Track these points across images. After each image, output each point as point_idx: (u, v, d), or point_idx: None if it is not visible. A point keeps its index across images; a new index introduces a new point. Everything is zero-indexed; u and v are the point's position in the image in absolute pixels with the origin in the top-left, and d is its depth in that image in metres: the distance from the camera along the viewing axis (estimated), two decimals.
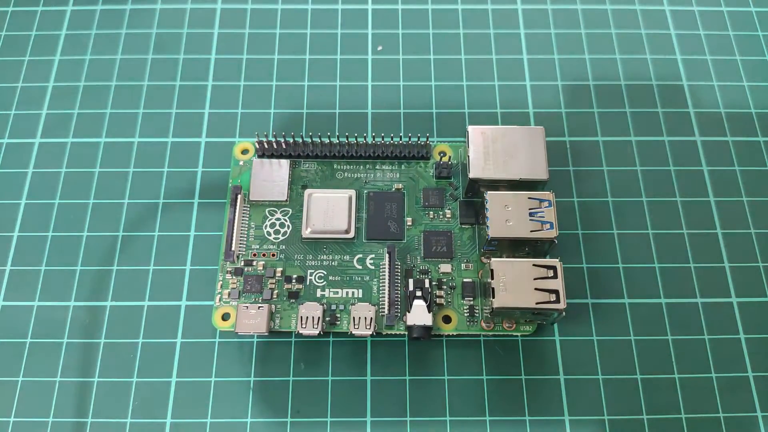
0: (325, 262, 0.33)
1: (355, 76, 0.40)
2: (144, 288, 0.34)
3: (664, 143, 0.38)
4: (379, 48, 0.41)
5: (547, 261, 0.30)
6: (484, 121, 0.38)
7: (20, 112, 0.39)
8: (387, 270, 0.32)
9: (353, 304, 0.31)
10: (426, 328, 0.30)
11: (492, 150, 0.32)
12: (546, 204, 0.31)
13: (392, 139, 0.34)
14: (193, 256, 0.35)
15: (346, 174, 0.35)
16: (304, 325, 0.30)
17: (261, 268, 0.32)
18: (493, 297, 0.30)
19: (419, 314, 0.30)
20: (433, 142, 0.36)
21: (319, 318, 0.31)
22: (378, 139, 0.35)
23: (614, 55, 0.41)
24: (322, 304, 0.31)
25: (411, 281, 0.31)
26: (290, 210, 0.34)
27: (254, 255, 0.33)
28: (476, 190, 0.33)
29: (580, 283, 0.34)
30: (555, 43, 0.41)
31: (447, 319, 0.32)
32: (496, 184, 0.32)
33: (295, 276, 0.32)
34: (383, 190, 0.34)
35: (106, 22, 0.41)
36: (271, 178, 0.34)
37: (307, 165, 0.35)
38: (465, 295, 0.32)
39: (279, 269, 0.32)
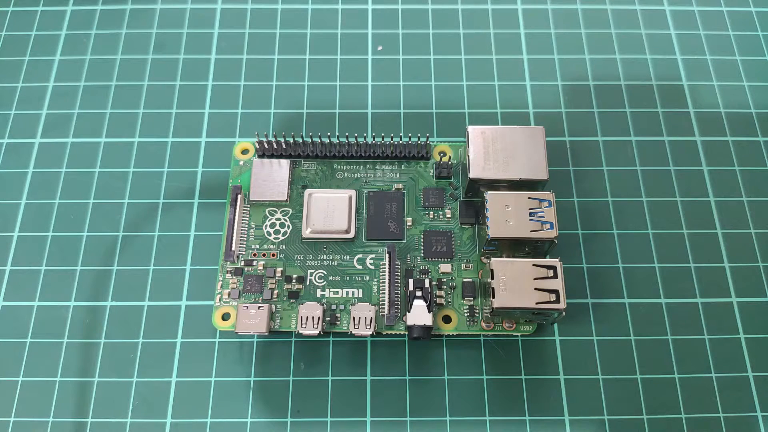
0: (325, 262, 0.33)
1: (355, 76, 0.40)
2: (144, 288, 0.34)
3: (664, 143, 0.38)
4: (379, 48, 0.41)
5: (547, 261, 0.30)
6: (484, 121, 0.38)
7: (20, 112, 0.39)
8: (387, 270, 0.32)
9: (353, 304, 0.31)
10: (426, 328, 0.30)
11: (492, 150, 0.32)
12: (546, 204, 0.31)
13: (392, 139, 0.34)
14: (193, 256, 0.35)
15: (346, 174, 0.35)
16: (304, 325, 0.30)
17: (261, 268, 0.32)
18: (493, 297, 0.30)
19: (419, 314, 0.30)
20: (433, 142, 0.36)
21: (319, 318, 0.30)
22: (378, 139, 0.35)
23: (614, 55, 0.41)
24: (322, 304, 0.31)
25: (411, 281, 0.31)
26: (290, 210, 0.34)
27: (254, 255, 0.33)
28: (476, 190, 0.33)
29: (580, 283, 0.34)
30: (555, 43, 0.41)
31: (447, 319, 0.32)
32: (496, 184, 0.32)
33: (295, 276, 0.32)
34: (383, 190, 0.34)
35: (106, 22, 0.41)
36: (271, 178, 0.34)
37: (307, 165, 0.35)
38: (465, 295, 0.32)
39: (279, 269, 0.32)
